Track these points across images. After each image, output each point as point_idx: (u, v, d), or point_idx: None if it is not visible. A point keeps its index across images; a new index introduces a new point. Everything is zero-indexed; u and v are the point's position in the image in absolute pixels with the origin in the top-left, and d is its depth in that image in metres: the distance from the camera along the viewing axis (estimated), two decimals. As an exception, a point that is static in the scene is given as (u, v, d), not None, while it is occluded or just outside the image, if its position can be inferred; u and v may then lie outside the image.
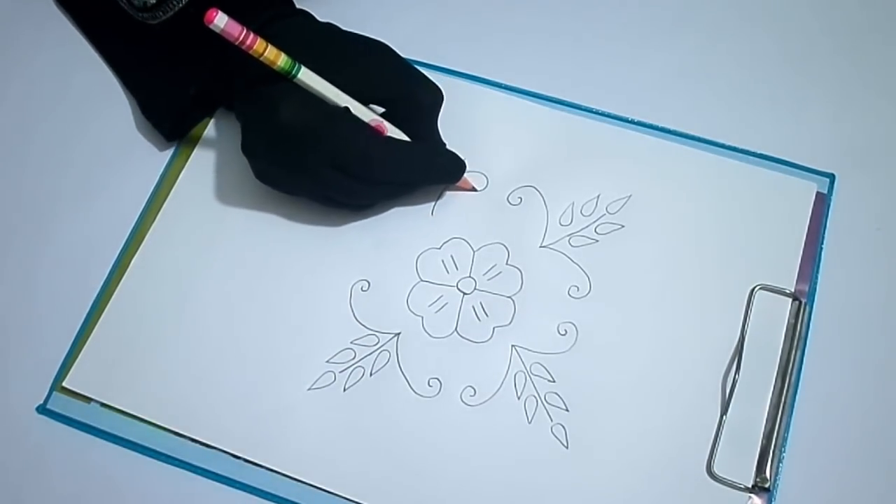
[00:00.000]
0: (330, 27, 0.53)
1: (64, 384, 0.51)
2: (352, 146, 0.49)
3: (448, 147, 0.54)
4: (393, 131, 0.52)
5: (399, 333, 0.52)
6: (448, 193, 0.55)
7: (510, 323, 0.52)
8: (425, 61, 0.57)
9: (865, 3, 0.60)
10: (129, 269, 0.54)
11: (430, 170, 0.53)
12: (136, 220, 0.55)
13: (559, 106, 0.57)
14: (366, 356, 0.51)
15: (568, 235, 0.54)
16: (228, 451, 0.49)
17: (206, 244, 0.54)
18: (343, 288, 0.53)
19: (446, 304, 0.52)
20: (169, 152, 0.57)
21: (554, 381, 0.50)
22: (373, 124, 0.51)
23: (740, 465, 0.47)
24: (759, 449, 0.48)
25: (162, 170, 0.57)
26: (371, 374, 0.51)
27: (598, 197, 0.54)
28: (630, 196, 0.54)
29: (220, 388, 0.50)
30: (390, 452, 0.49)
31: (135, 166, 0.57)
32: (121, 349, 0.52)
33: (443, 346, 0.51)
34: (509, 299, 0.52)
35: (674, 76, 0.58)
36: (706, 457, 0.48)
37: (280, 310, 0.52)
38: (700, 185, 0.54)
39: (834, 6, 0.60)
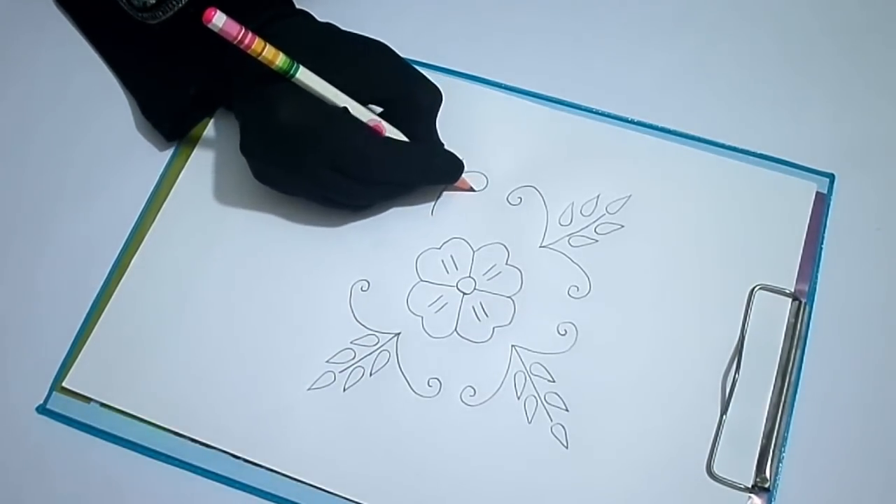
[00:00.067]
0: (329, 27, 0.53)
1: (64, 384, 0.51)
2: (350, 146, 0.49)
3: (448, 147, 0.54)
4: (391, 131, 0.52)
5: (399, 333, 0.52)
6: (448, 193, 0.55)
7: (510, 323, 0.52)
8: (425, 61, 0.57)
9: (865, 3, 0.60)
10: (129, 269, 0.54)
11: (427, 170, 0.53)
12: (136, 220, 0.55)
13: (559, 106, 0.57)
14: (366, 356, 0.51)
15: (568, 235, 0.54)
16: (228, 451, 0.49)
17: (205, 244, 0.54)
18: (343, 288, 0.53)
19: (446, 304, 0.52)
20: (169, 152, 0.57)
21: (554, 381, 0.50)
22: (371, 124, 0.51)
23: (740, 465, 0.47)
24: (759, 449, 0.48)
25: (162, 170, 0.57)
26: (371, 374, 0.51)
27: (598, 197, 0.54)
28: (630, 196, 0.54)
29: (220, 389, 0.50)
30: (390, 452, 0.49)
31: (135, 166, 0.57)
32: (121, 349, 0.52)
33: (443, 346, 0.51)
34: (509, 299, 0.52)
35: (674, 76, 0.58)
36: (706, 457, 0.48)
37: (280, 310, 0.52)
38: (700, 185, 0.54)
39: (834, 6, 0.60)
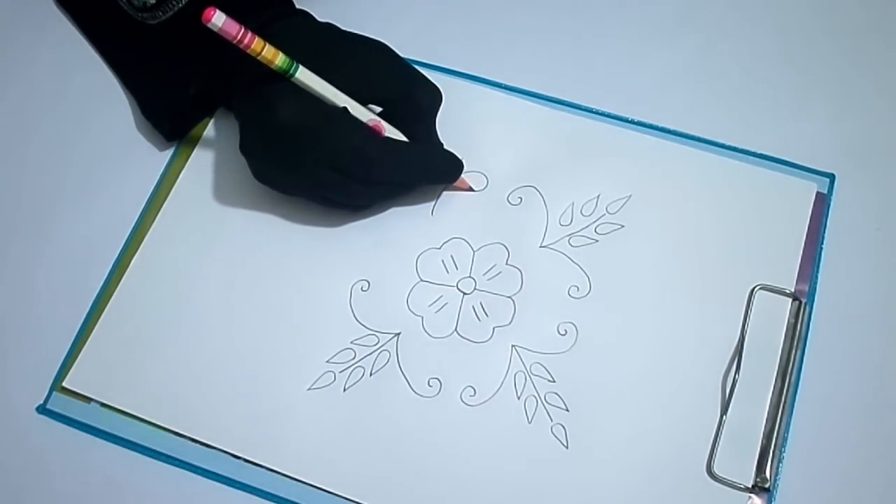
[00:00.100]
0: (329, 27, 0.53)
1: (64, 384, 0.51)
2: (349, 146, 0.49)
3: (448, 147, 0.54)
4: (391, 131, 0.52)
5: (399, 333, 0.52)
6: (448, 193, 0.55)
7: (510, 323, 0.52)
8: (425, 61, 0.57)
9: (865, 3, 0.60)
10: (129, 269, 0.54)
11: (427, 170, 0.53)
12: (136, 220, 0.55)
13: (559, 106, 0.57)
14: (366, 356, 0.51)
15: (568, 235, 0.54)
16: (228, 451, 0.49)
17: (205, 244, 0.54)
18: (343, 288, 0.53)
19: (446, 304, 0.52)
20: (169, 152, 0.57)
21: (554, 381, 0.50)
22: (371, 124, 0.51)
23: (740, 465, 0.47)
24: (759, 449, 0.48)
25: (162, 170, 0.57)
26: (371, 374, 0.51)
27: (598, 197, 0.54)
28: (630, 196, 0.54)
29: (220, 388, 0.50)
30: (390, 452, 0.49)
31: (135, 166, 0.57)
32: (121, 349, 0.52)
33: (443, 346, 0.51)
34: (509, 299, 0.52)
35: (674, 76, 0.58)
36: (706, 457, 0.48)
37: (280, 310, 0.52)
38: (700, 185, 0.54)
39: (834, 6, 0.60)
